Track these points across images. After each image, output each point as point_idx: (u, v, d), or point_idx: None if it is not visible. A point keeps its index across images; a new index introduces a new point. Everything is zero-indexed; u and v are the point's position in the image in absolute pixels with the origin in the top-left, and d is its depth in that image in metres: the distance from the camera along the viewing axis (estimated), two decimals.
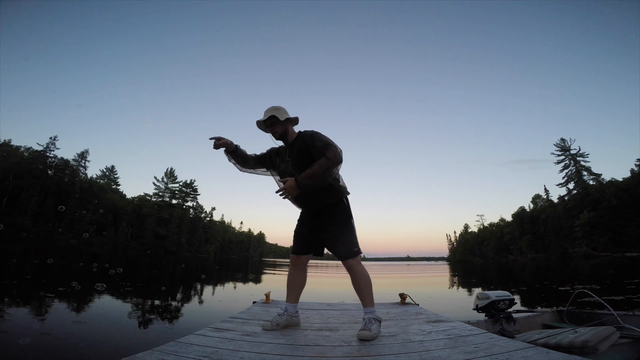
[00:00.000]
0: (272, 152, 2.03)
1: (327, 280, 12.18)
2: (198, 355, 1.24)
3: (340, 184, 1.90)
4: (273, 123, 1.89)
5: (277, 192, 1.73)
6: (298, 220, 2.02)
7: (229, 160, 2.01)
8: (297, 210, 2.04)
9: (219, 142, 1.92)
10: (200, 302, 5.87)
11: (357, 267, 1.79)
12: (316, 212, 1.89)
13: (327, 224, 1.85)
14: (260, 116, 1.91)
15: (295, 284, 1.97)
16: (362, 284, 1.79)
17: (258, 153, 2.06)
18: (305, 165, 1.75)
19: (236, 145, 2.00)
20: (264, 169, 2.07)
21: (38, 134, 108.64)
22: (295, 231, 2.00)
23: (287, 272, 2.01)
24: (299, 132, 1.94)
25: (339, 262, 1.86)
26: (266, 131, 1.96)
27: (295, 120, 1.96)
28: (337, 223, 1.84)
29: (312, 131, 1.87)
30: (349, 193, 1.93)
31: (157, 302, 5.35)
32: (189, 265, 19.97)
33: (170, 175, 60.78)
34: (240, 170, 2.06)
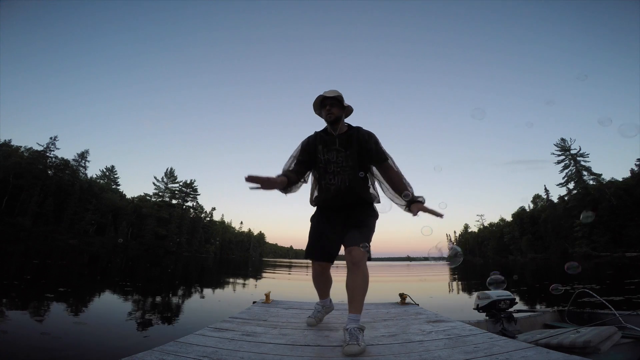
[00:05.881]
0: (315, 142, 1.83)
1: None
2: (198, 355, 1.24)
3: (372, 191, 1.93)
4: (334, 104, 1.80)
5: (439, 216, 1.55)
6: (319, 222, 1.85)
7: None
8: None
9: (265, 187, 1.49)
10: (200, 302, 5.86)
11: (364, 264, 1.62)
12: (346, 207, 1.81)
13: (356, 215, 1.78)
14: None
15: (327, 285, 2.03)
16: (361, 284, 1.57)
17: (292, 166, 1.83)
18: (362, 158, 1.76)
19: (284, 179, 1.66)
20: (302, 179, 1.87)
21: (38, 134, 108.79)
22: (319, 234, 1.81)
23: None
24: (353, 126, 1.88)
25: (340, 263, 1.84)
26: (318, 112, 1.89)
27: (349, 111, 1.90)
28: (365, 215, 1.79)
29: (370, 132, 1.86)
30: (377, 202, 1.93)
31: (157, 301, 5.35)
32: (189, 264, 19.94)
33: (170, 175, 60.79)
34: (286, 194, 1.82)
